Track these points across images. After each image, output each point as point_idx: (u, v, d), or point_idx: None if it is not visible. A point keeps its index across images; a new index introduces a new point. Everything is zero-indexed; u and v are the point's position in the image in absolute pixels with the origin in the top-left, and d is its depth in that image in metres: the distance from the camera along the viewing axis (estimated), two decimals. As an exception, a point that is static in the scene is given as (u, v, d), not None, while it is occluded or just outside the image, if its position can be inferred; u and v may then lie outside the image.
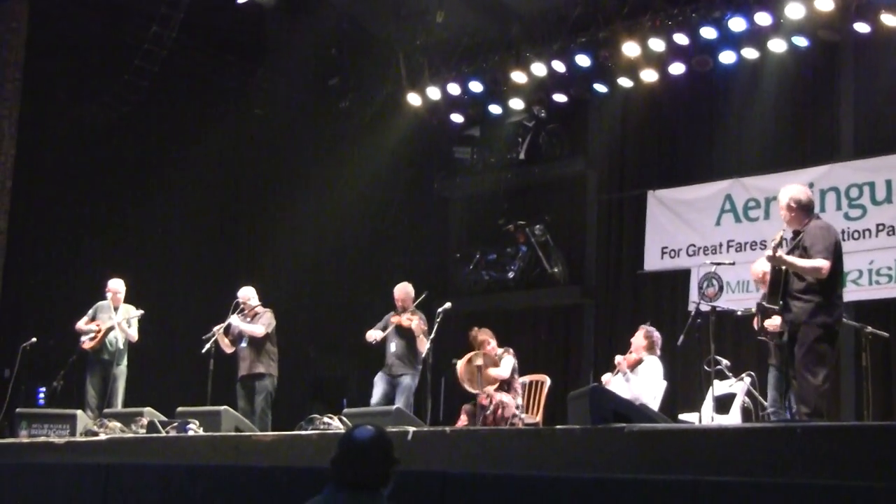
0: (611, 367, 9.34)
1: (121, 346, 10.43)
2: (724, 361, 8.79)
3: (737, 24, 11.23)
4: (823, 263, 6.60)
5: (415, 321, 9.87)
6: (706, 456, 5.46)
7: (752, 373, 8.88)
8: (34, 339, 10.36)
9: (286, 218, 14.39)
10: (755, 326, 7.92)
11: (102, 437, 8.77)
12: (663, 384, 9.14)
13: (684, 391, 10.58)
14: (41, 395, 11.23)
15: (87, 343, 10.38)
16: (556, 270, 13.50)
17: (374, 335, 10.07)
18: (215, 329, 10.16)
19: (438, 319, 9.58)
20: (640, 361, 9.13)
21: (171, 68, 12.59)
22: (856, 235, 11.03)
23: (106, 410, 9.91)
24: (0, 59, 11.72)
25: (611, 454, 5.84)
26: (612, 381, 9.08)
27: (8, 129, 11.71)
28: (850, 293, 10.07)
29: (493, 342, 9.87)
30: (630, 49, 11.91)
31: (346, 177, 14.46)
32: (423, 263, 14.26)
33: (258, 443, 7.90)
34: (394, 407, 8.83)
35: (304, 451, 7.32)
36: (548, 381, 10.23)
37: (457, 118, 14.13)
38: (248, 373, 10.14)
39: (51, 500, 6.84)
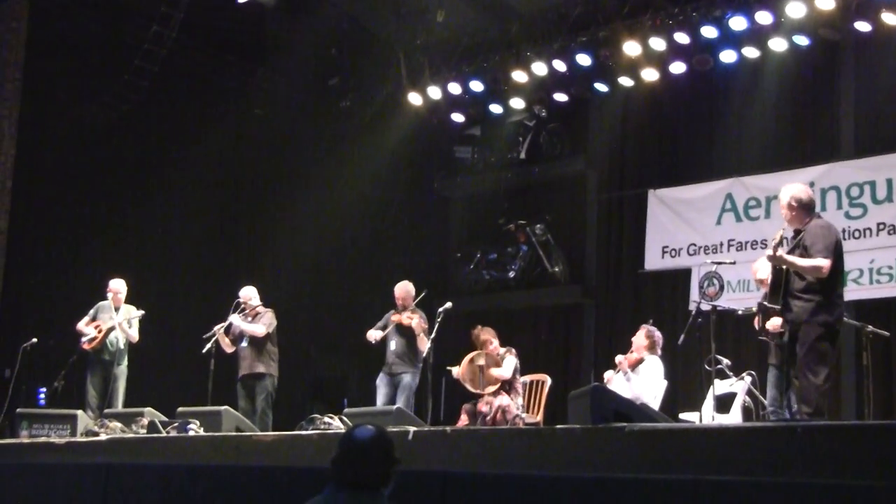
0: (612, 366, 9.34)
1: (121, 346, 10.42)
2: (725, 361, 8.78)
3: (737, 23, 11.23)
4: (824, 262, 6.60)
5: (415, 319, 9.86)
6: (707, 455, 5.45)
7: (753, 372, 8.87)
8: (35, 340, 10.35)
9: (286, 218, 14.38)
10: (756, 326, 7.91)
11: (103, 437, 8.77)
12: (664, 383, 9.14)
13: (685, 390, 10.57)
14: (42, 396, 11.21)
15: (86, 343, 10.37)
16: (556, 270, 13.50)
17: (374, 335, 10.06)
18: (216, 328, 10.16)
19: (439, 319, 9.57)
20: (641, 361, 9.13)
21: (171, 68, 12.58)
22: (856, 234, 11.03)
23: (106, 411, 9.90)
24: (0, 58, 11.72)
25: (611, 454, 5.83)
26: (613, 380, 9.08)
27: (8, 129, 11.71)
28: (851, 292, 10.07)
29: (496, 342, 9.86)
30: (631, 48, 11.91)
31: (347, 176, 14.46)
32: (424, 263, 14.26)
33: (259, 443, 7.89)
34: (394, 407, 8.82)
35: (305, 451, 7.32)
36: (548, 380, 10.22)
37: (457, 117, 14.13)
38: (249, 372, 10.14)
39: (51, 501, 6.83)
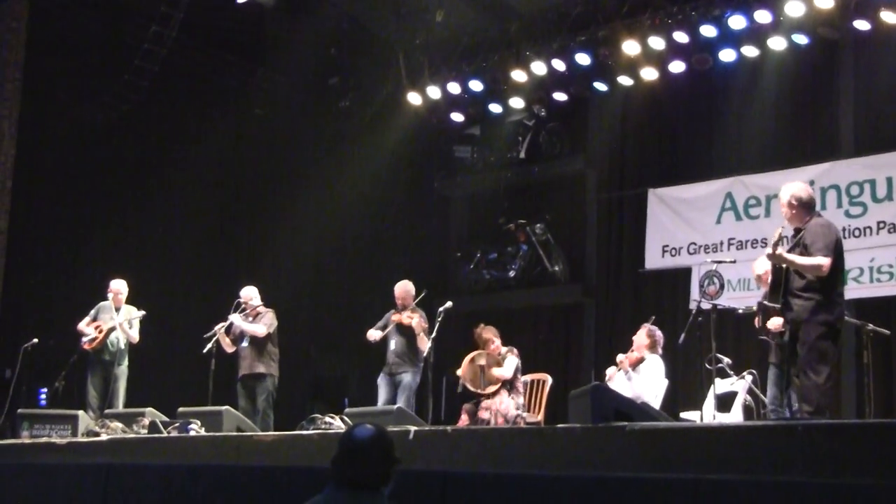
0: (613, 365, 9.33)
1: (122, 346, 10.42)
2: (726, 360, 8.78)
3: (737, 21, 11.23)
4: (824, 261, 6.60)
5: (415, 319, 9.86)
6: (708, 454, 5.46)
7: (754, 371, 8.88)
8: (35, 340, 10.35)
9: (286, 218, 14.38)
10: (756, 325, 7.91)
11: (104, 437, 8.77)
12: (665, 383, 9.14)
13: (686, 390, 10.57)
14: (43, 396, 11.21)
15: (87, 344, 10.37)
16: (556, 269, 13.50)
17: (374, 335, 10.06)
18: (217, 328, 10.16)
19: (439, 319, 9.57)
20: (641, 360, 9.13)
21: (171, 68, 12.58)
22: (856, 233, 11.03)
23: (107, 411, 9.90)
24: (0, 58, 11.71)
25: (612, 453, 5.83)
26: (615, 377, 9.07)
27: (8, 129, 11.70)
28: (851, 291, 10.07)
29: (498, 341, 9.85)
30: (630, 47, 11.91)
31: (347, 176, 14.46)
32: (424, 263, 14.26)
33: (259, 443, 7.89)
34: (395, 406, 8.82)
35: (306, 450, 7.32)
36: (549, 379, 10.21)
37: (457, 117, 14.13)
38: (249, 372, 10.14)
39: (52, 501, 6.84)
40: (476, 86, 13.41)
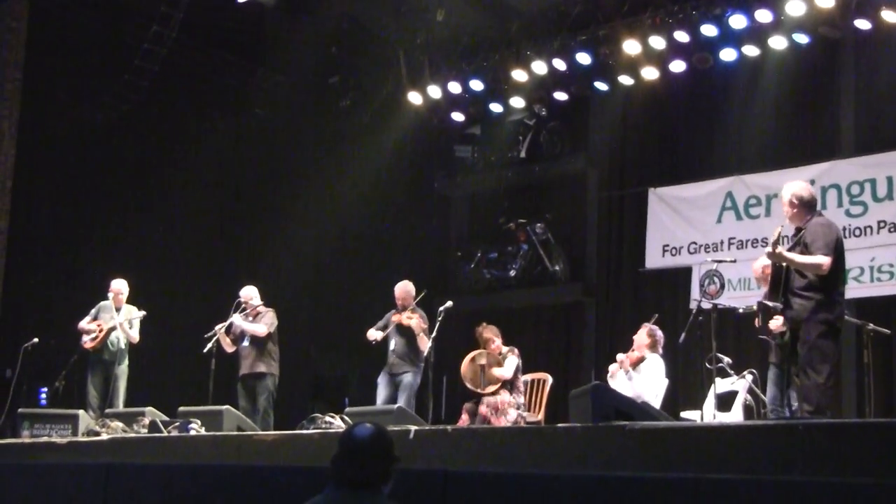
0: (613, 363, 9.33)
1: (122, 346, 10.42)
2: (726, 359, 8.78)
3: (737, 21, 11.23)
4: (824, 260, 6.59)
5: (414, 319, 9.85)
6: (708, 454, 5.46)
7: (754, 370, 8.87)
8: (35, 340, 10.34)
9: (286, 218, 14.37)
10: (756, 325, 7.91)
11: (104, 437, 8.77)
12: (665, 382, 9.13)
13: (686, 389, 10.58)
14: (43, 396, 11.20)
15: (88, 343, 10.37)
16: (557, 268, 13.50)
17: (374, 334, 10.06)
18: (217, 328, 10.16)
19: (440, 318, 9.57)
20: (642, 359, 9.12)
21: (171, 68, 12.57)
22: (857, 232, 11.03)
23: (108, 410, 9.89)
24: (0, 58, 11.71)
25: (612, 452, 5.83)
26: (616, 375, 9.06)
27: (8, 129, 11.70)
28: (852, 290, 10.06)
29: (499, 340, 9.84)
30: (630, 47, 11.91)
31: (347, 176, 14.46)
32: (424, 262, 14.26)
33: (260, 442, 7.89)
34: (395, 406, 8.82)
35: (306, 450, 7.32)
36: (549, 379, 10.21)
37: (457, 117, 14.13)
38: (250, 372, 10.14)
39: (52, 500, 6.83)
40: (476, 85, 13.41)
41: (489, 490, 4.99)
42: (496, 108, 13.76)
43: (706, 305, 8.64)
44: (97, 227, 12.87)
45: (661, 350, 9.26)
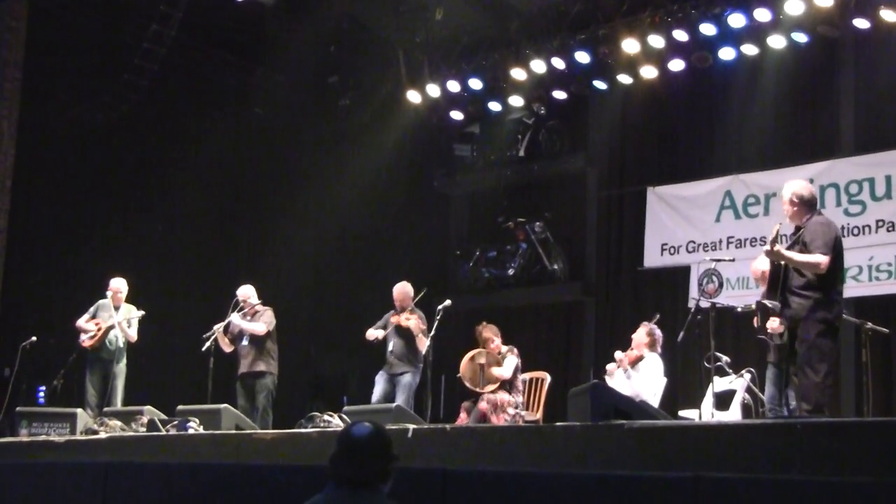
0: (612, 362, 9.33)
1: (121, 344, 10.42)
2: (725, 358, 8.77)
3: (736, 20, 11.23)
4: (822, 259, 6.60)
5: (412, 321, 9.85)
6: (706, 452, 5.46)
7: (752, 369, 8.87)
8: (34, 338, 10.34)
9: (286, 217, 14.38)
10: (755, 324, 7.92)
11: (103, 435, 8.77)
12: (664, 381, 9.13)
13: (684, 388, 10.57)
14: (41, 394, 11.21)
15: (86, 341, 10.37)
16: (556, 267, 13.50)
17: (374, 334, 10.07)
18: (216, 328, 10.17)
19: (438, 317, 9.57)
20: (640, 358, 9.12)
21: (170, 67, 12.58)
22: (855, 231, 11.03)
23: (106, 409, 9.90)
24: (0, 58, 11.71)
25: (611, 451, 5.84)
26: (614, 374, 9.07)
27: (8, 128, 11.71)
28: (850, 289, 10.07)
29: (498, 340, 9.84)
30: (629, 46, 11.91)
31: (347, 175, 14.46)
32: (424, 261, 14.26)
33: (258, 441, 7.89)
34: (394, 404, 8.82)
35: (305, 449, 7.32)
36: (548, 378, 10.21)
37: (457, 115, 14.12)
38: (249, 370, 10.14)
39: (51, 499, 6.83)
40: (476, 84, 13.41)
41: (488, 489, 4.99)
42: (495, 106, 13.75)
43: (705, 304, 8.63)
44: (97, 227, 12.88)
45: (659, 349, 9.26)
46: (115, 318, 10.41)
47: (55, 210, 12.56)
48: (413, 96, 13.70)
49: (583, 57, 12.38)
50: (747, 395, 8.78)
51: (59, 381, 10.25)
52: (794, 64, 11.73)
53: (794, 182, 7.11)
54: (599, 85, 12.84)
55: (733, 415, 8.57)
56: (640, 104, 13.06)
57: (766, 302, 7.09)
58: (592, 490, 4.69)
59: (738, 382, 8.79)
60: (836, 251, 6.71)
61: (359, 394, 12.58)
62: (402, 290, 10.17)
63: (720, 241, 12.04)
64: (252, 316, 10.30)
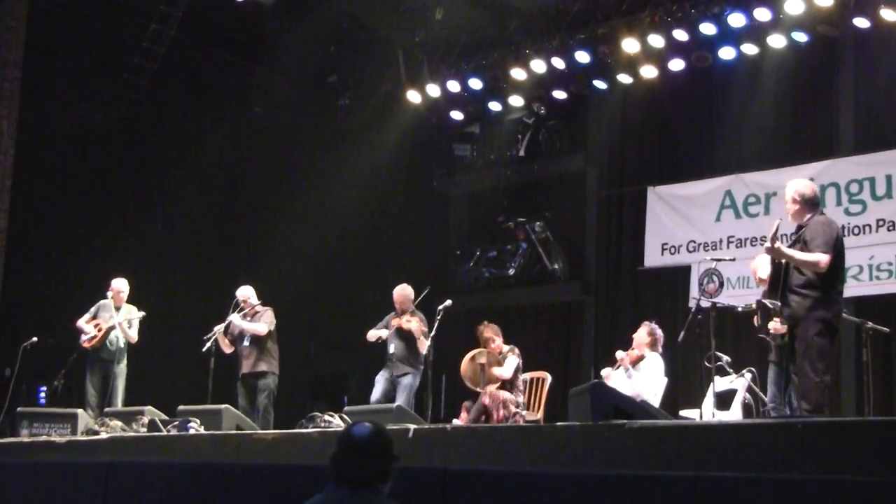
0: (612, 363, 9.33)
1: (121, 345, 10.41)
2: (725, 357, 8.78)
3: (736, 19, 11.23)
4: (822, 257, 6.59)
5: (413, 323, 9.85)
6: (707, 452, 5.46)
7: (753, 369, 8.88)
8: (35, 339, 10.35)
9: (286, 217, 14.38)
10: (755, 324, 7.92)
11: (103, 435, 8.77)
12: (664, 380, 9.14)
13: (685, 387, 10.57)
14: (42, 395, 11.22)
15: (86, 342, 10.37)
16: (556, 267, 13.50)
17: (375, 334, 10.07)
18: (216, 328, 10.17)
19: (439, 317, 9.57)
20: (641, 358, 9.13)
21: (170, 67, 12.58)
22: (856, 231, 11.03)
23: (107, 409, 9.90)
24: (0, 57, 11.72)
25: (612, 450, 5.83)
26: (612, 376, 9.08)
27: (7, 128, 11.71)
28: (851, 289, 10.07)
29: (499, 340, 9.84)
30: (629, 45, 11.91)
31: (347, 175, 14.46)
32: (424, 261, 14.26)
33: (259, 441, 7.89)
34: (395, 405, 8.82)
35: (305, 449, 7.32)
36: (549, 377, 10.22)
37: (456, 115, 14.12)
38: (250, 371, 10.13)
39: (52, 500, 6.83)
40: (475, 84, 13.41)
41: (488, 489, 4.99)
42: (495, 106, 13.75)
43: (705, 304, 8.64)
44: (97, 227, 12.88)
45: (660, 348, 9.27)
46: (115, 318, 10.41)
47: (55, 210, 12.57)
48: (413, 96, 13.70)
49: (582, 56, 12.38)
50: (748, 395, 8.79)
51: (60, 382, 10.25)
52: (793, 63, 11.73)
53: (796, 181, 7.12)
54: (599, 85, 12.84)
55: (734, 414, 8.57)
56: (639, 104, 13.05)
57: (767, 301, 7.09)
58: (593, 490, 4.69)
59: (738, 382, 8.80)
60: (837, 250, 6.71)
61: (359, 394, 12.59)
62: (402, 292, 10.17)
63: (720, 241, 12.03)
64: (252, 316, 10.30)
